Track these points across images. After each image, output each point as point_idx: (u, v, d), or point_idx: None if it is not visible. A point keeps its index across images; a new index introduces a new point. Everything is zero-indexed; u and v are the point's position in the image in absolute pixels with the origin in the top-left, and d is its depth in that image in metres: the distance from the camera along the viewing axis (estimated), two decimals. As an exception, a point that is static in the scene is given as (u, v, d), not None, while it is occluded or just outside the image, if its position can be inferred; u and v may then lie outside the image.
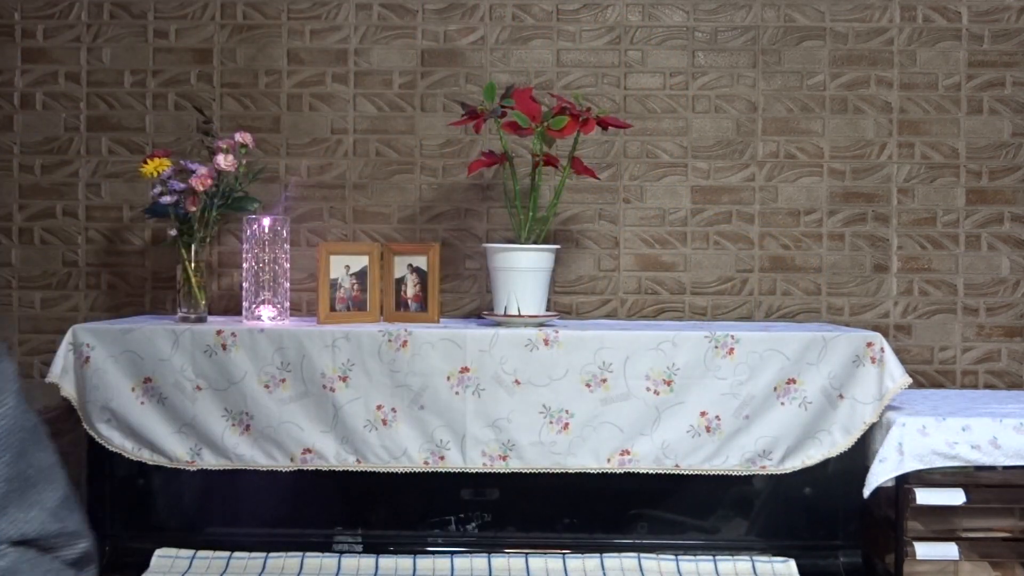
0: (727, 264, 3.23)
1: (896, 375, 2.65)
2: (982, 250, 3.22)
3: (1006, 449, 2.58)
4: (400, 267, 2.92)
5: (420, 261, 2.91)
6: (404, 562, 2.66)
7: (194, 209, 2.84)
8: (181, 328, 2.69)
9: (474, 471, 2.67)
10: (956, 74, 3.22)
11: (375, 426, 2.66)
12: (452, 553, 2.68)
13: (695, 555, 2.68)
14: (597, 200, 3.23)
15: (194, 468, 2.68)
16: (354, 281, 2.92)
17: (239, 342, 2.67)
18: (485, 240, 3.21)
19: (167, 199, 2.81)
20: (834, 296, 3.23)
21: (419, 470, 2.67)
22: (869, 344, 2.65)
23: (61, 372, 2.70)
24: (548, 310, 2.89)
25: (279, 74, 3.25)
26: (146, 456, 2.69)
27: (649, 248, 3.24)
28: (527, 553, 2.69)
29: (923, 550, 2.60)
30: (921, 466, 2.58)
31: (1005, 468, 2.60)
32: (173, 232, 2.86)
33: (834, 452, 2.66)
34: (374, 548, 2.71)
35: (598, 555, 2.68)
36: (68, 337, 2.71)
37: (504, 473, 2.67)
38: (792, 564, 2.66)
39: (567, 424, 2.65)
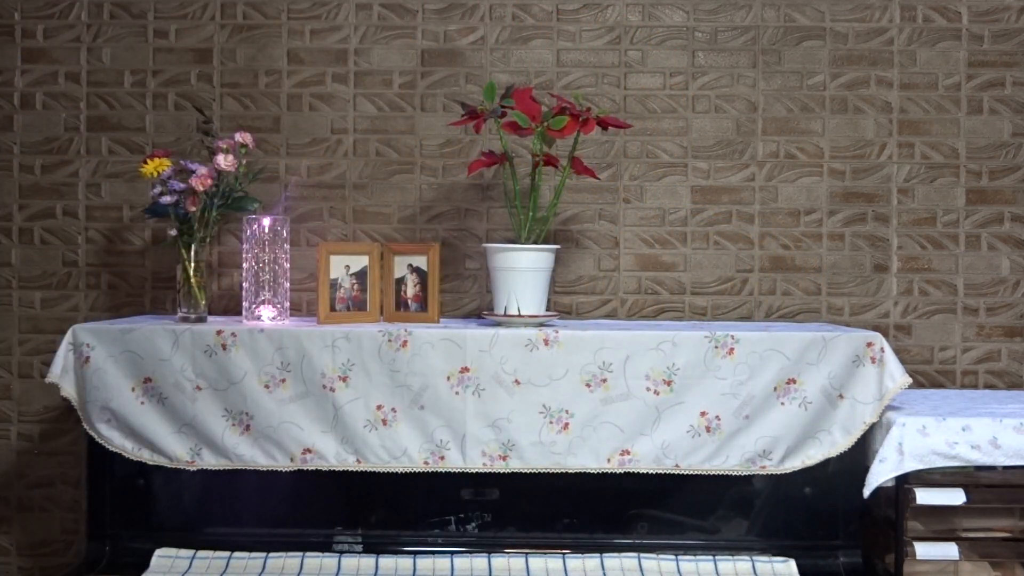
0: (727, 264, 3.23)
1: (896, 375, 2.65)
2: (982, 250, 3.22)
3: (1006, 449, 2.58)
4: (400, 267, 2.92)
5: (420, 261, 2.91)
6: (404, 562, 2.67)
7: (194, 209, 2.84)
8: (181, 328, 2.69)
9: (474, 471, 2.67)
10: (956, 74, 3.22)
11: (375, 426, 2.66)
12: (452, 553, 2.69)
13: (695, 555, 2.68)
14: (597, 200, 3.24)
15: (194, 468, 2.68)
16: (354, 281, 2.92)
17: (239, 342, 2.67)
18: (485, 240, 3.22)
19: (167, 199, 2.81)
20: (834, 296, 3.23)
21: (419, 470, 2.67)
22: (869, 344, 2.65)
23: (61, 372, 2.70)
24: (548, 310, 2.89)
25: (279, 74, 3.25)
26: (146, 456, 2.69)
27: (649, 248, 3.24)
28: (527, 553, 2.69)
29: (923, 550, 2.60)
30: (921, 466, 2.58)
31: (1005, 468, 2.60)
32: (173, 232, 2.86)
33: (834, 452, 2.66)
34: (374, 548, 2.71)
35: (598, 555, 2.68)
36: (68, 337, 2.71)
37: (504, 473, 2.67)
38: (792, 564, 2.67)
39: (567, 424, 2.65)
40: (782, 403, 2.66)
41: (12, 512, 3.24)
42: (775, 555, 2.69)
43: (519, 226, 2.84)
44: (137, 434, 2.68)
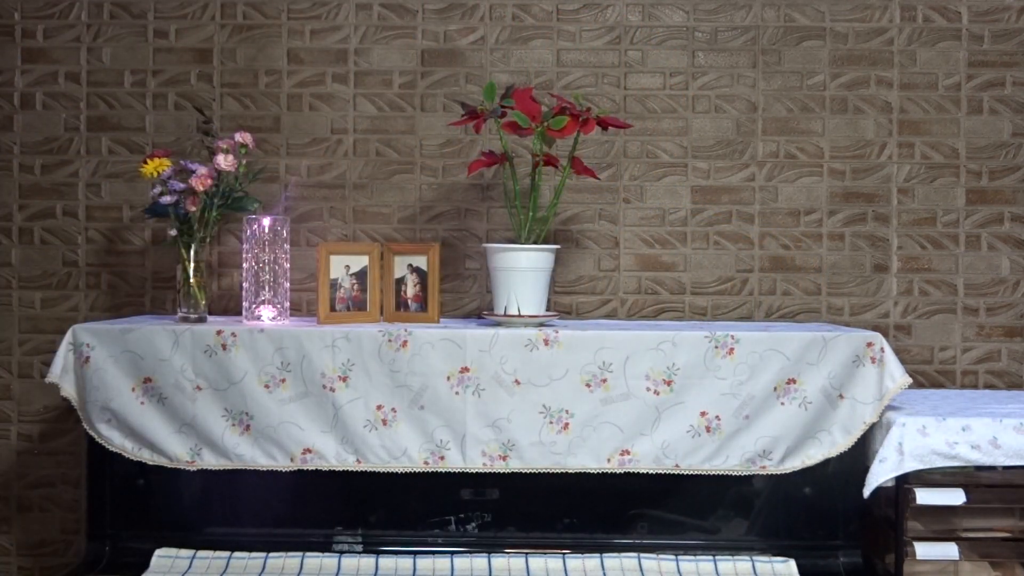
0: (727, 264, 3.23)
1: (896, 375, 2.65)
2: (982, 250, 3.22)
3: (1006, 449, 2.58)
4: (400, 267, 2.92)
5: (420, 261, 2.91)
6: (404, 562, 2.67)
7: (194, 209, 2.84)
8: (181, 328, 2.69)
9: (474, 471, 2.67)
10: (956, 74, 3.22)
11: (375, 426, 2.66)
12: (452, 553, 2.69)
13: (695, 555, 2.68)
14: (597, 200, 3.24)
15: (194, 468, 2.68)
16: (354, 281, 2.92)
17: (239, 342, 2.67)
18: (485, 240, 3.22)
19: (167, 199, 2.81)
20: (834, 296, 3.23)
21: (419, 470, 2.67)
22: (869, 344, 2.65)
23: (61, 372, 2.70)
24: (548, 310, 2.89)
25: (279, 74, 3.25)
26: (146, 456, 2.69)
27: (649, 248, 3.24)
28: (527, 553, 2.69)
29: (923, 550, 2.60)
30: (921, 466, 2.58)
31: (1005, 468, 2.60)
32: (173, 232, 2.86)
33: (834, 452, 2.66)
34: (374, 548, 2.71)
35: (598, 555, 2.68)
36: (68, 337, 2.71)
37: (504, 473, 2.67)
38: (792, 564, 2.67)
39: (567, 424, 2.65)
40: (782, 403, 2.66)
41: (12, 512, 3.24)
42: (775, 555, 2.69)
43: (519, 226, 2.84)
44: (137, 434, 2.68)
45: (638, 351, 2.65)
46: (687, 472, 2.67)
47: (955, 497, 2.59)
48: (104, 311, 3.23)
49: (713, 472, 2.66)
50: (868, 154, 3.23)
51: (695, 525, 2.73)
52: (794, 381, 2.66)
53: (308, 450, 2.67)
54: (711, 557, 2.68)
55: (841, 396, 2.65)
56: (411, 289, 2.92)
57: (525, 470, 2.67)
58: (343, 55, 3.24)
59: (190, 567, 2.66)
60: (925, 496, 2.59)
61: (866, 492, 2.61)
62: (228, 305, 3.22)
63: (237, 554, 2.69)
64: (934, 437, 2.58)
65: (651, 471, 2.66)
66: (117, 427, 2.69)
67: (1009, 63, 3.22)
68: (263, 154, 3.21)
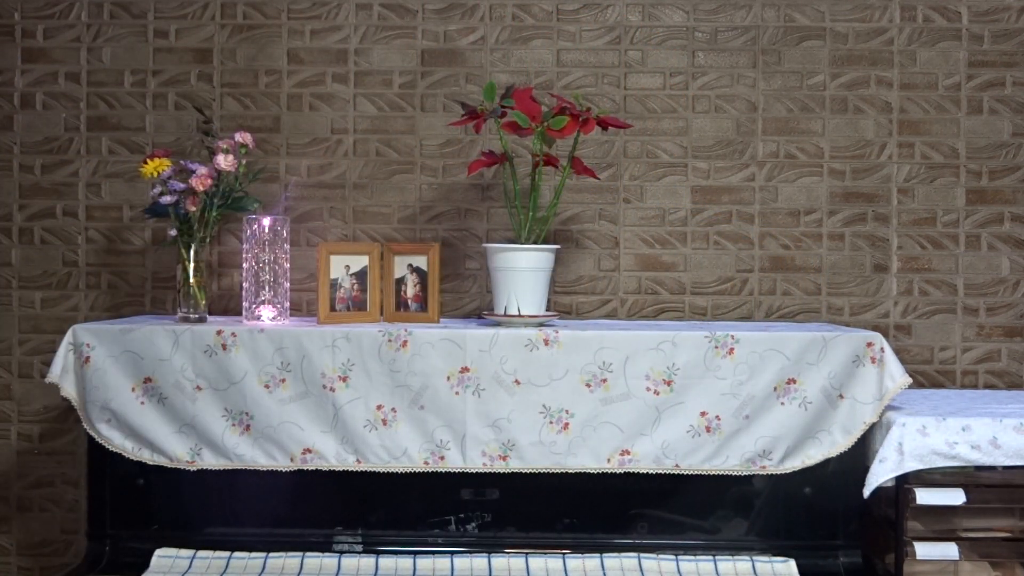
0: (727, 264, 3.23)
1: (896, 375, 2.65)
2: (982, 250, 3.22)
3: (1006, 449, 2.58)
4: (400, 267, 2.92)
5: (420, 261, 2.91)
6: (404, 562, 2.67)
7: (194, 209, 2.84)
8: (181, 328, 2.69)
9: (474, 471, 2.67)
10: (956, 74, 3.22)
11: (375, 426, 2.66)
12: (452, 553, 2.69)
13: (695, 555, 2.68)
14: (597, 200, 3.24)
15: (194, 468, 2.68)
16: (354, 281, 2.92)
17: (239, 342, 2.67)
18: (485, 240, 3.22)
19: (167, 199, 2.81)
20: (834, 296, 3.23)
21: (419, 470, 2.67)
22: (869, 344, 2.65)
23: (61, 372, 2.70)
24: (548, 310, 2.89)
25: (279, 74, 3.25)
26: (146, 456, 2.69)
27: (649, 248, 3.24)
28: (527, 553, 2.69)
29: (923, 550, 2.60)
30: (921, 466, 2.58)
31: (1005, 468, 2.60)
32: (173, 232, 2.86)
33: (834, 452, 2.66)
34: (374, 548, 2.71)
35: (598, 555, 2.68)
36: (68, 337, 2.71)
37: (504, 473, 2.67)
38: (792, 564, 2.67)
39: (567, 424, 2.65)
40: (782, 403, 2.66)
41: (12, 512, 3.24)
42: (775, 555, 2.69)
43: (519, 226, 2.84)
44: (137, 434, 2.68)
45: (638, 351, 2.65)
46: (687, 472, 2.67)
47: (955, 497, 2.59)
48: (104, 311, 3.23)
49: (713, 472, 2.66)
50: (868, 154, 3.23)
51: (695, 525, 2.73)
52: (794, 381, 2.66)
53: (308, 450, 2.67)
54: (711, 557, 2.68)
55: (841, 396, 2.65)
56: (411, 289, 2.92)
57: (525, 470, 2.67)
58: (343, 55, 3.24)
59: (190, 567, 2.66)
60: (925, 496, 2.59)
61: (866, 492, 2.61)
62: (228, 305, 3.22)
63: (237, 554, 2.69)
64: (934, 437, 2.58)
65: (651, 471, 2.66)
66: (117, 427, 2.69)
67: (1009, 63, 3.22)
68: (263, 154, 3.21)
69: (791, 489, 2.70)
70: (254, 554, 2.68)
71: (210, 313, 3.02)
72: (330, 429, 2.67)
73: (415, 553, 2.68)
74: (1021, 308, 3.23)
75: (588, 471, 2.66)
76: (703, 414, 2.66)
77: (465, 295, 3.24)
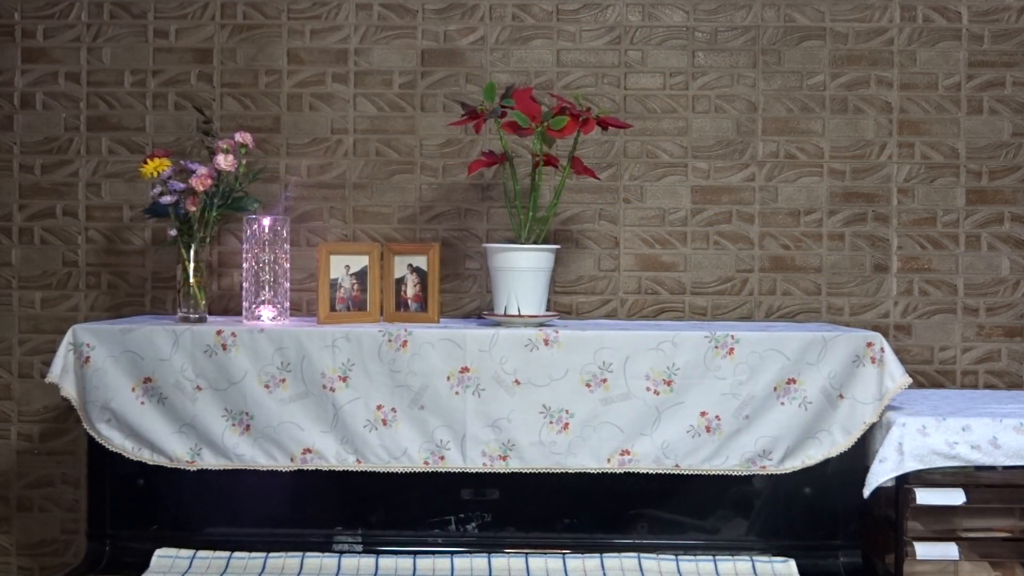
0: (727, 264, 3.23)
1: (896, 375, 2.65)
2: (982, 250, 3.22)
3: (1006, 449, 2.58)
4: (400, 267, 2.92)
5: (420, 261, 2.91)
6: (404, 562, 2.67)
7: (194, 209, 2.84)
8: (181, 328, 2.69)
9: (474, 471, 2.67)
10: (956, 74, 3.22)
11: (375, 426, 2.66)
12: (452, 553, 2.69)
13: (695, 555, 2.68)
14: (597, 200, 3.24)
15: (194, 468, 2.68)
16: (354, 281, 2.92)
17: (239, 342, 2.67)
18: (485, 240, 3.22)
19: (167, 199, 2.81)
20: (834, 296, 3.23)
21: (419, 470, 2.67)
22: (869, 344, 2.65)
23: (61, 372, 2.70)
24: (548, 310, 2.89)
25: (279, 74, 3.25)
26: (146, 456, 2.69)
27: (649, 248, 3.24)
28: (527, 553, 2.69)
29: (923, 550, 2.60)
30: (921, 466, 2.58)
31: (1005, 468, 2.60)
32: (173, 232, 2.86)
33: (834, 452, 2.66)
34: (374, 548, 2.71)
35: (598, 555, 2.68)
36: (68, 337, 2.71)
37: (504, 473, 2.67)
38: (792, 564, 2.66)
39: (567, 424, 2.65)
40: (782, 403, 2.66)
41: (12, 512, 3.24)
42: (775, 555, 2.69)
43: (519, 226, 2.84)
44: (137, 434, 2.68)
45: (638, 351, 2.65)
46: (687, 472, 2.67)
47: (955, 497, 2.59)
48: (104, 311, 3.23)
49: (713, 472, 2.66)
50: (868, 154, 3.23)
51: (695, 525, 2.73)
52: (794, 381, 2.66)
53: (308, 450, 2.67)
54: (711, 557, 2.68)
55: (841, 396, 2.65)
56: (411, 289, 2.92)
57: (525, 470, 2.67)
58: (343, 55, 3.24)
59: (190, 567, 2.66)
60: (925, 496, 2.59)
61: (866, 492, 2.61)
62: (228, 305, 3.22)
63: (237, 554, 2.69)
64: (934, 437, 2.58)
65: (651, 471, 2.66)
66: (117, 427, 2.69)
67: (1009, 63, 3.22)
68: (263, 154, 3.21)
69: (791, 489, 2.70)
70: (254, 554, 2.68)
71: (210, 313, 3.02)
72: (330, 429, 2.67)
73: (415, 553, 2.68)
74: (1021, 308, 3.23)
75: (588, 471, 2.66)
76: (703, 414, 2.66)
77: (465, 295, 3.24)
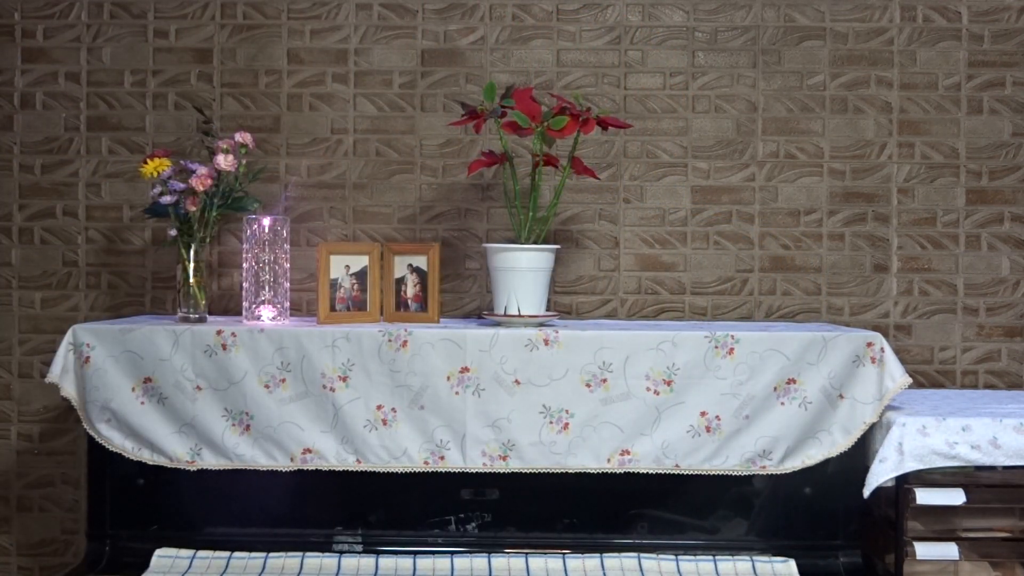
0: (727, 264, 3.23)
1: (896, 375, 2.65)
2: (982, 250, 3.22)
3: (1006, 449, 2.58)
4: (400, 267, 2.92)
5: (420, 261, 2.91)
6: (404, 562, 2.67)
7: (194, 209, 2.84)
8: (181, 328, 2.69)
9: (474, 471, 2.67)
10: (956, 74, 3.22)
11: (375, 426, 2.66)
12: (452, 553, 2.69)
13: (695, 555, 2.68)
14: (597, 200, 3.24)
15: (194, 468, 2.68)
16: (354, 281, 2.92)
17: (239, 342, 2.67)
18: (485, 240, 3.22)
19: (167, 199, 2.81)
20: (834, 296, 3.23)
21: (419, 470, 2.67)
22: (869, 344, 2.65)
23: (61, 372, 2.70)
24: (548, 310, 2.89)
25: (279, 74, 3.25)
26: (146, 456, 2.69)
27: (649, 248, 3.24)
28: (527, 553, 2.69)
29: (923, 550, 2.60)
30: (921, 466, 2.58)
31: (1005, 468, 2.60)
32: (173, 232, 2.86)
33: (834, 452, 2.66)
34: (374, 548, 2.71)
35: (598, 555, 2.68)
36: (68, 337, 2.71)
37: (504, 473, 2.67)
38: (792, 564, 2.66)
39: (567, 424, 2.65)
40: (782, 403, 2.66)
41: (12, 512, 3.24)
42: (775, 555, 2.69)
43: (519, 226, 2.84)
44: (137, 434, 2.68)
45: (638, 351, 2.65)
46: (687, 472, 2.67)
47: (955, 497, 2.59)
48: (104, 311, 3.23)
49: (713, 472, 2.66)
50: (868, 154, 3.23)
51: (695, 525, 2.73)
52: (794, 381, 2.66)
53: (308, 450, 2.67)
54: (711, 557, 2.68)
55: (841, 396, 2.65)
56: (411, 289, 2.92)
57: (525, 470, 2.67)
58: (343, 55, 3.24)
59: (190, 567, 2.66)
60: (925, 496, 2.59)
61: (866, 492, 2.61)
62: (228, 305, 3.22)
63: (237, 554, 2.69)
64: (934, 437, 2.58)
65: (651, 471, 2.66)
66: (117, 427, 2.69)
67: (1009, 63, 3.22)
68: (263, 154, 3.21)
69: (791, 489, 2.70)
70: (254, 554, 2.68)
71: (210, 313, 3.02)
72: (330, 429, 2.67)
73: (415, 553, 2.68)
74: (1021, 308, 3.23)
75: (588, 471, 2.66)
76: (703, 414, 2.66)
77: (465, 295, 3.24)
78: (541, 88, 3.20)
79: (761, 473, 2.67)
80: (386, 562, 2.67)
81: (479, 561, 2.67)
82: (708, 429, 2.65)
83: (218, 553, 2.69)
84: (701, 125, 3.24)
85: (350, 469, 2.67)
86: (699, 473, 2.67)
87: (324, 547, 2.71)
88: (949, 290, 3.22)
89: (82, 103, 3.25)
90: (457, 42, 3.24)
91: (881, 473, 2.58)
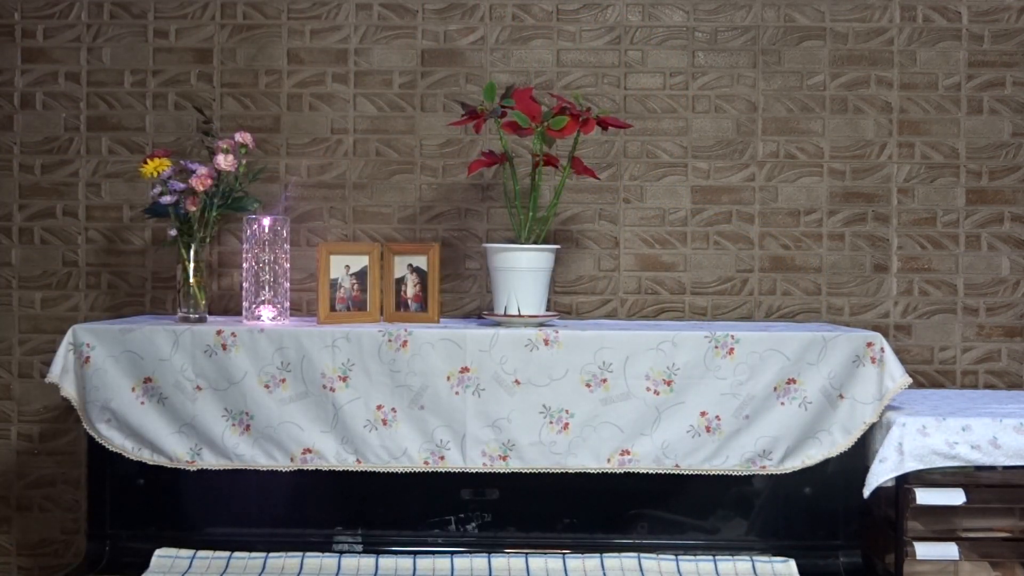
0: (727, 264, 3.23)
1: (896, 375, 2.65)
2: (982, 250, 3.22)
3: (1006, 449, 2.58)
4: (400, 267, 2.92)
5: (420, 261, 2.91)
6: (404, 562, 2.67)
7: (194, 209, 2.84)
8: (181, 328, 2.69)
9: (474, 471, 2.67)
10: (956, 74, 3.22)
11: (375, 426, 2.66)
12: (452, 553, 2.69)
13: (695, 555, 2.68)
14: (597, 200, 3.24)
15: (194, 468, 2.68)
16: (354, 281, 2.92)
17: (239, 342, 2.67)
18: (485, 240, 3.22)
19: (167, 199, 2.81)
20: (834, 296, 3.23)
21: (419, 470, 2.67)
22: (869, 344, 2.65)
23: (61, 372, 2.70)
24: (548, 310, 2.89)
25: (279, 74, 3.25)
26: (146, 456, 2.69)
27: (649, 248, 3.24)
28: (527, 553, 2.69)
29: (923, 550, 2.60)
30: (921, 466, 2.58)
31: (1005, 468, 2.60)
32: (173, 232, 2.86)
33: (834, 452, 2.66)
34: (374, 548, 2.71)
35: (598, 555, 2.68)
36: (68, 337, 2.71)
37: (504, 473, 2.67)
38: (792, 564, 2.66)
39: (567, 424, 2.65)
40: (782, 403, 2.66)
41: (12, 512, 3.24)
42: (775, 555, 2.69)
43: (519, 226, 2.84)
44: (137, 434, 2.68)
45: (638, 351, 2.65)
46: (687, 472, 2.67)
47: (955, 497, 2.59)
48: (104, 311, 3.23)
49: (713, 472, 2.66)
50: (868, 154, 3.23)
51: (695, 525, 2.73)
52: (794, 381, 2.66)
53: (308, 450, 2.67)
54: (711, 557, 2.68)
55: (841, 396, 2.65)
56: (411, 289, 2.92)
57: (525, 470, 2.67)
58: (343, 55, 3.24)
59: (190, 567, 2.66)
60: (925, 496, 2.59)
61: (866, 492, 2.61)
62: (228, 305, 3.22)
63: (237, 554, 2.69)
64: (934, 437, 2.58)
65: (651, 471, 2.66)
66: (117, 427, 2.69)
67: (1009, 63, 3.22)
68: (263, 154, 3.21)
69: (791, 489, 2.70)
70: (254, 554, 2.68)
71: (210, 313, 3.02)
72: (330, 429, 2.67)
73: (415, 553, 2.68)
74: (1021, 308, 3.23)
75: (588, 471, 2.66)
76: (703, 414, 2.66)
77: (465, 295, 3.24)
78: (541, 88, 3.20)
79: (761, 473, 2.67)
80: (386, 562, 2.67)
81: (479, 561, 2.67)
82: (708, 429, 2.65)
83: (218, 553, 2.69)
84: (701, 125, 3.24)
85: (350, 469, 2.67)
86: (699, 473, 2.67)
87: (324, 547, 2.71)
88: (949, 290, 3.22)
89: (82, 103, 3.25)
90: (457, 42, 3.24)
91: (881, 473, 2.58)
